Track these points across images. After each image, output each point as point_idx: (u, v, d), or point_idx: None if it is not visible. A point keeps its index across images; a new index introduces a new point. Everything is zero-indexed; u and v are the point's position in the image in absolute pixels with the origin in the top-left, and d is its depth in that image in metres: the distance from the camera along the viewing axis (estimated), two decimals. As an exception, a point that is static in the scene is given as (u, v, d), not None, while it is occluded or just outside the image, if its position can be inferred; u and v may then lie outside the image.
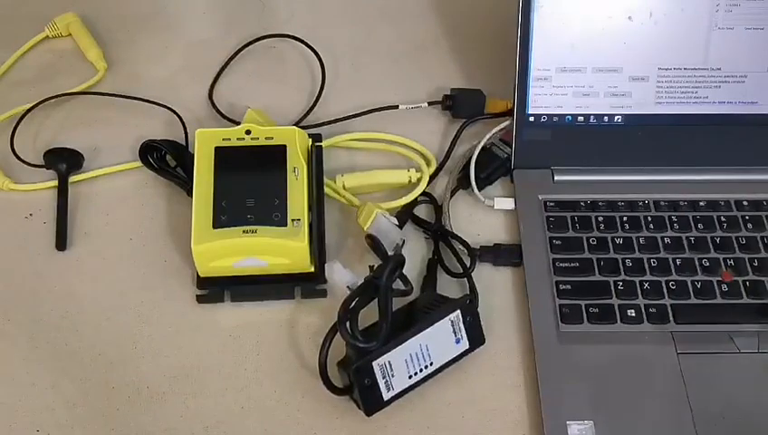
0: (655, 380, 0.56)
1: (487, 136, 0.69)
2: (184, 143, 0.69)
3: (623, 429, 0.54)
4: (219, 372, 0.58)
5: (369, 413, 0.53)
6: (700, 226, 0.64)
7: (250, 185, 0.60)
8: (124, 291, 0.62)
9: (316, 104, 0.73)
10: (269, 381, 0.57)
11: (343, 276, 0.58)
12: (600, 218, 0.64)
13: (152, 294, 0.62)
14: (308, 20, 0.81)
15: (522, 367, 0.58)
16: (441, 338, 0.55)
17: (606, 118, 0.66)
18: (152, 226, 0.65)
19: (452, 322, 0.55)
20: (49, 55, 0.78)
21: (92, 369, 0.58)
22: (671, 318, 0.59)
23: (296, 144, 0.61)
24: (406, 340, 0.53)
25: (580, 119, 0.67)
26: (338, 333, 0.54)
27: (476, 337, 0.57)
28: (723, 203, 0.65)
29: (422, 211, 0.67)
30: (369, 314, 0.55)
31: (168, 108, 0.72)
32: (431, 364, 0.55)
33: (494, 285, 0.62)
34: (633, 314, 0.59)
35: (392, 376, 0.53)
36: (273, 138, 0.62)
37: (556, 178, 0.67)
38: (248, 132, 0.62)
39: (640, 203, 0.65)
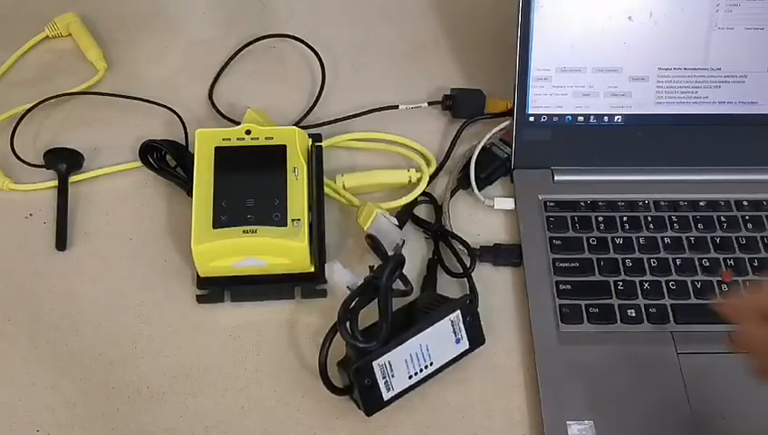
0: (655, 380, 0.56)
1: (487, 136, 0.69)
2: (184, 143, 0.69)
3: (623, 429, 0.54)
4: (219, 372, 0.58)
5: (369, 413, 0.53)
6: (700, 226, 0.64)
7: (250, 185, 0.60)
8: (124, 291, 0.62)
9: (316, 104, 0.73)
10: (269, 381, 0.57)
11: (343, 276, 0.58)
12: (600, 218, 0.64)
13: (152, 294, 0.62)
14: (308, 20, 0.81)
15: (522, 367, 0.58)
16: (441, 338, 0.55)
17: (606, 118, 0.66)
18: (152, 226, 0.65)
19: (452, 322, 0.55)
20: (49, 55, 0.78)
21: (92, 369, 0.58)
22: (671, 318, 0.59)
23: (296, 144, 0.61)
24: (406, 340, 0.53)
25: (580, 119, 0.67)
26: (338, 333, 0.54)
27: (476, 337, 0.57)
28: (723, 203, 0.65)
29: (422, 211, 0.66)
30: (369, 314, 0.55)
31: (168, 108, 0.72)
32: (431, 364, 0.55)
33: (494, 285, 0.62)
34: (633, 314, 0.59)
35: (392, 376, 0.53)
36: (273, 138, 0.62)
37: (556, 178, 0.67)
38: (248, 132, 0.62)
39: (640, 203, 0.65)
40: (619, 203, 0.65)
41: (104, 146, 0.70)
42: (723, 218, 0.64)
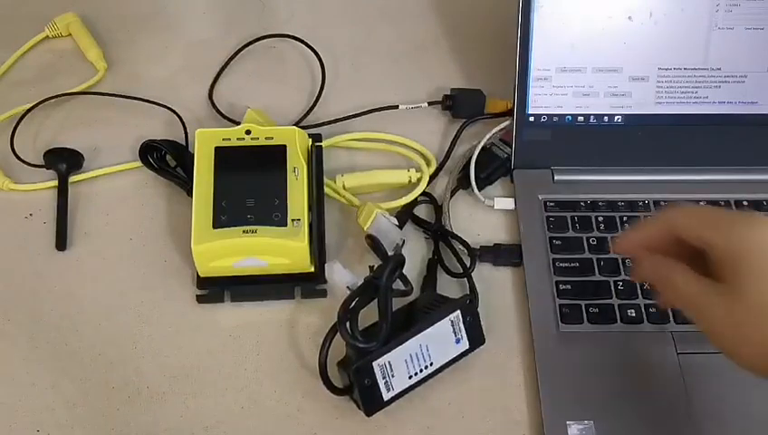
0: (655, 380, 0.56)
1: (487, 136, 0.69)
2: (184, 143, 0.69)
3: (623, 429, 0.54)
4: (219, 372, 0.58)
5: (369, 413, 0.53)
6: (700, 226, 0.64)
7: (250, 185, 0.60)
8: (124, 291, 0.62)
9: (316, 104, 0.73)
10: (269, 381, 0.57)
11: (343, 277, 0.58)
12: (600, 218, 0.64)
13: (152, 294, 0.62)
14: (308, 20, 0.81)
15: (522, 367, 0.58)
16: (441, 338, 0.55)
17: (606, 118, 0.66)
18: (152, 226, 0.65)
19: (452, 322, 0.55)
20: (49, 55, 0.78)
21: (92, 369, 0.58)
22: (671, 318, 0.59)
23: (296, 144, 0.61)
24: (406, 340, 0.53)
25: (580, 119, 0.67)
26: (338, 333, 0.54)
27: (476, 337, 0.57)
28: (723, 203, 0.65)
29: (422, 211, 0.67)
30: (369, 314, 0.55)
31: (168, 108, 0.72)
32: (431, 364, 0.55)
33: (494, 285, 0.62)
34: (633, 314, 0.59)
35: (392, 376, 0.53)
36: (273, 138, 0.62)
37: (556, 178, 0.67)
38: (248, 132, 0.62)
39: (640, 203, 0.65)
40: (619, 203, 0.65)
41: (104, 146, 0.70)
42: (723, 218, 0.64)
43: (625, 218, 0.64)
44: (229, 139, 0.62)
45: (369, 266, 0.59)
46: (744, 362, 0.43)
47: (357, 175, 0.67)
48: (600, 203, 0.65)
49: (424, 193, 0.66)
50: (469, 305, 0.57)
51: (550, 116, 0.66)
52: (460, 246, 0.63)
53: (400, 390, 0.54)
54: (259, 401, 0.57)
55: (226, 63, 0.76)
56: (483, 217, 0.66)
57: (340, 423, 0.55)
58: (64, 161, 0.67)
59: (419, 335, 0.54)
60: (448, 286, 0.62)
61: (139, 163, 0.68)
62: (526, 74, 0.65)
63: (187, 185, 0.65)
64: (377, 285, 0.55)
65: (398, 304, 0.57)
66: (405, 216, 0.65)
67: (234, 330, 0.60)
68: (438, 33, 0.80)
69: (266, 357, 0.59)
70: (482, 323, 0.57)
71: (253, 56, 0.78)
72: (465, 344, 0.56)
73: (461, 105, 0.72)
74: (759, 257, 0.42)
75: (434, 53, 0.78)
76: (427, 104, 0.73)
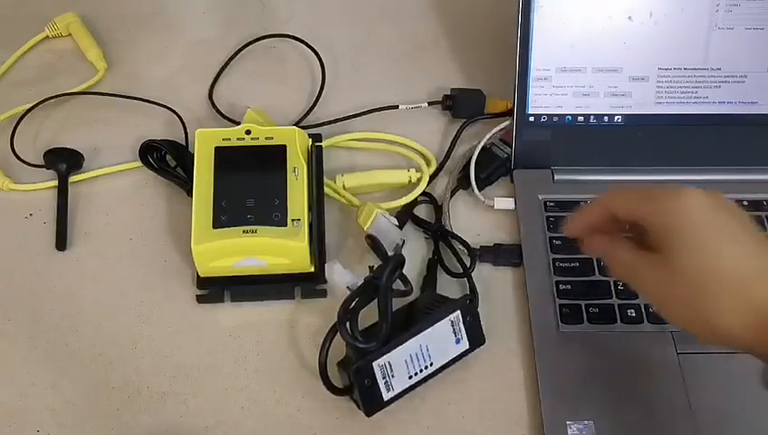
0: (655, 380, 0.56)
1: (487, 136, 0.69)
2: (184, 143, 0.69)
3: (623, 429, 0.54)
4: (219, 371, 0.58)
5: (369, 413, 0.53)
6: (700, 226, 0.64)
7: (250, 185, 0.60)
8: (124, 291, 0.62)
9: (316, 104, 0.73)
10: (269, 381, 0.57)
11: (343, 277, 0.58)
12: (600, 218, 0.64)
13: (152, 294, 0.62)
14: (308, 20, 0.81)
15: (522, 367, 0.58)
16: (441, 338, 0.55)
17: (606, 118, 0.66)
18: (152, 226, 0.65)
19: (452, 322, 0.55)
20: (49, 55, 0.78)
21: (92, 369, 0.58)
22: (671, 318, 0.59)
23: (296, 144, 0.61)
24: (406, 340, 0.53)
25: (580, 119, 0.67)
26: (338, 334, 0.54)
27: (476, 337, 0.57)
28: (723, 203, 0.65)
29: (422, 211, 0.67)
30: (369, 315, 0.55)
31: (168, 108, 0.72)
32: (431, 365, 0.55)
33: (494, 285, 0.62)
34: (633, 314, 0.59)
35: (392, 376, 0.53)
36: (273, 138, 0.62)
37: (556, 178, 0.67)
38: (248, 132, 0.62)
39: (640, 203, 0.65)
40: (619, 203, 0.65)
41: (104, 146, 0.70)
42: (723, 218, 0.64)
43: (625, 218, 0.64)
44: (229, 139, 0.62)
45: (369, 266, 0.59)
46: (681, 325, 0.46)
47: (357, 175, 0.67)
48: (600, 203, 0.65)
49: (424, 193, 0.66)
50: (469, 305, 0.57)
51: (550, 116, 0.66)
52: (460, 246, 0.63)
53: (400, 390, 0.54)
54: (259, 401, 0.57)
55: (226, 63, 0.76)
56: (483, 217, 0.66)
57: (340, 423, 0.55)
58: (64, 161, 0.67)
59: (419, 335, 0.54)
60: (448, 286, 0.62)
61: (139, 163, 0.68)
62: (526, 74, 0.65)
63: (187, 185, 0.65)
64: (377, 285, 0.55)
65: (398, 304, 0.57)
66: (405, 216, 0.65)
67: (234, 330, 0.60)
68: (438, 33, 0.80)
69: (266, 357, 0.59)
70: (482, 323, 0.57)
71: (253, 56, 0.78)
72: (465, 344, 0.56)
73: (461, 105, 0.72)
74: (686, 228, 0.45)
75: (434, 53, 0.78)
76: (427, 104, 0.73)
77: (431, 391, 0.56)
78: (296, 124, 0.71)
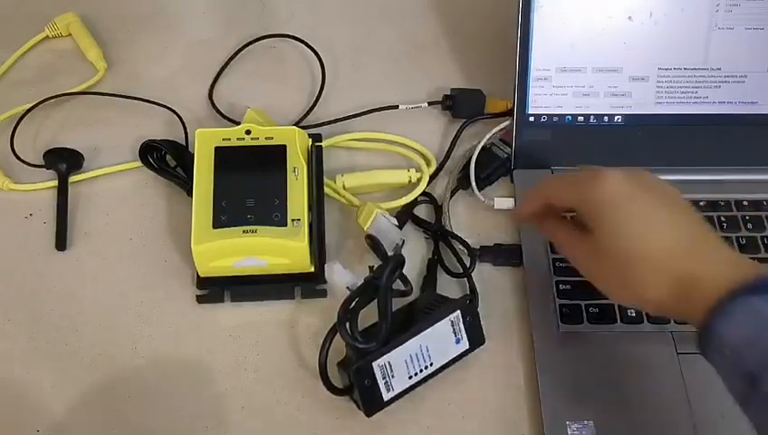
0: (655, 380, 0.56)
1: (487, 136, 0.69)
2: (184, 143, 0.69)
3: (623, 429, 0.54)
4: (219, 371, 0.58)
5: (369, 414, 0.53)
6: (700, 226, 0.64)
7: (250, 185, 0.60)
8: (124, 291, 0.62)
9: (316, 104, 0.73)
10: (269, 381, 0.57)
11: (343, 277, 0.58)
12: (600, 218, 0.64)
13: (152, 294, 0.62)
14: (308, 20, 0.81)
15: (522, 367, 0.58)
16: (441, 338, 0.55)
17: (606, 118, 0.67)
18: (152, 226, 0.65)
19: (452, 322, 0.55)
20: (49, 55, 0.78)
21: (92, 369, 0.58)
22: (671, 319, 0.59)
23: (296, 144, 0.61)
24: (406, 340, 0.53)
25: (580, 119, 0.67)
26: (338, 334, 0.54)
27: (476, 337, 0.57)
28: (723, 203, 0.65)
29: (422, 211, 0.67)
30: (369, 315, 0.55)
31: (168, 108, 0.72)
32: (431, 365, 0.55)
33: (494, 285, 0.62)
34: (633, 314, 0.59)
35: (392, 377, 0.53)
36: (273, 138, 0.62)
37: (556, 178, 0.67)
38: (248, 132, 0.62)
39: (640, 203, 0.65)
40: (619, 203, 0.65)
41: (104, 146, 0.70)
42: (723, 218, 0.64)
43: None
44: (229, 139, 0.62)
45: (369, 266, 0.59)
46: (617, 300, 0.52)
47: (357, 175, 0.67)
48: (599, 203, 0.65)
49: (424, 193, 0.66)
50: (469, 305, 0.57)
51: (550, 116, 0.66)
52: (460, 246, 0.63)
53: (400, 390, 0.54)
54: (259, 400, 0.57)
55: (226, 63, 0.76)
56: (483, 217, 0.66)
57: (340, 423, 0.55)
58: (64, 161, 0.67)
59: (419, 335, 0.54)
60: (448, 286, 0.62)
61: (139, 163, 0.68)
62: (526, 74, 0.65)
63: (187, 185, 0.65)
64: (377, 286, 0.55)
65: (398, 304, 0.57)
66: (405, 216, 0.65)
67: (234, 330, 0.60)
68: (438, 33, 0.80)
69: (266, 357, 0.59)
70: (482, 323, 0.57)
71: (253, 56, 0.78)
72: (465, 344, 0.56)
73: (461, 105, 0.72)
74: (607, 211, 0.49)
75: (434, 53, 0.78)
76: (427, 104, 0.73)
77: (431, 391, 0.56)
78: (296, 124, 0.71)
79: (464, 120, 0.71)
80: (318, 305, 0.61)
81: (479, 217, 0.66)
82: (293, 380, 0.57)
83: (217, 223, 0.58)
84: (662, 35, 0.64)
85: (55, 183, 0.67)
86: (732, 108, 0.66)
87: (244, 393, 0.57)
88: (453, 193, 0.67)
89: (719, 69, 0.65)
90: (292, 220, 0.58)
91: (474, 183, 0.66)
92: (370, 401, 0.53)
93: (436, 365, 0.55)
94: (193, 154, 0.61)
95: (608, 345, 0.58)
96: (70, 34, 0.78)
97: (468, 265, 0.62)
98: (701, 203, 0.65)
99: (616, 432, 0.54)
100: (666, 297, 0.47)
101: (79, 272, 0.63)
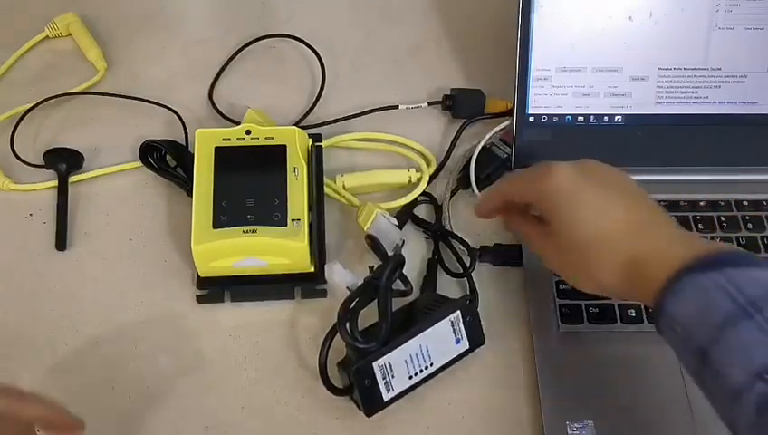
0: (655, 380, 0.56)
1: (487, 136, 0.69)
2: (184, 143, 0.69)
3: (623, 429, 0.54)
4: (219, 371, 0.58)
5: (369, 414, 0.53)
6: (700, 226, 0.64)
7: (250, 185, 0.60)
8: (124, 291, 0.62)
9: (316, 104, 0.73)
10: (269, 381, 0.57)
11: (343, 277, 0.58)
12: (600, 218, 0.64)
13: (152, 294, 0.62)
14: (308, 20, 0.81)
15: (522, 367, 0.58)
16: (441, 338, 0.55)
17: (606, 118, 0.66)
18: (152, 226, 0.65)
19: (452, 322, 0.55)
20: (49, 55, 0.78)
21: (92, 369, 0.58)
22: (671, 318, 0.59)
23: (296, 144, 0.61)
24: (406, 341, 0.53)
25: (580, 119, 0.67)
26: (338, 334, 0.54)
27: (476, 337, 0.57)
28: (723, 203, 0.65)
29: (422, 211, 0.66)
30: (369, 315, 0.55)
31: (168, 108, 0.72)
32: (431, 365, 0.55)
33: (494, 285, 0.62)
34: (633, 314, 0.59)
35: (392, 377, 0.53)
36: (273, 138, 0.62)
37: (556, 178, 0.66)
38: (248, 132, 0.62)
39: (640, 203, 0.65)
40: (619, 203, 0.65)
41: (104, 146, 0.70)
42: (723, 218, 0.64)
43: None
44: (229, 139, 0.62)
45: (369, 267, 0.59)
46: (579, 287, 0.52)
47: (357, 175, 0.67)
48: (599, 203, 0.65)
49: (424, 193, 0.66)
50: (469, 305, 0.57)
51: (550, 116, 0.66)
52: (460, 246, 0.63)
53: (400, 390, 0.54)
54: (259, 400, 0.57)
55: (226, 63, 0.76)
56: (483, 217, 0.66)
57: (340, 423, 0.55)
58: (64, 161, 0.67)
59: (419, 336, 0.54)
60: (448, 286, 0.62)
61: (139, 163, 0.68)
62: (526, 74, 0.65)
63: (187, 185, 0.65)
64: (377, 286, 0.55)
65: (398, 304, 0.57)
66: (405, 216, 0.65)
67: (234, 330, 0.60)
68: (439, 33, 0.80)
69: (266, 357, 0.59)
70: (482, 323, 0.57)
71: (253, 56, 0.78)
72: (464, 345, 0.56)
73: (461, 105, 0.72)
74: (559, 204, 0.50)
75: (434, 52, 0.78)
76: (427, 104, 0.73)
77: (431, 391, 0.56)
78: (296, 124, 0.71)
79: (464, 120, 0.71)
80: (318, 305, 0.61)
81: (479, 218, 0.66)
82: (293, 380, 0.57)
83: (217, 223, 0.58)
84: (662, 35, 0.64)
85: (55, 183, 0.67)
86: (732, 108, 0.66)
87: (244, 393, 0.57)
88: (453, 193, 0.67)
89: (719, 69, 0.65)
90: (292, 220, 0.58)
91: (474, 183, 0.66)
92: (370, 402, 0.53)
93: (437, 365, 0.55)
94: (193, 154, 0.61)
95: (608, 345, 0.58)
96: (70, 34, 0.78)
97: (468, 265, 0.62)
98: (701, 203, 0.65)
99: (616, 432, 0.54)
100: (623, 278, 0.48)
101: (79, 272, 0.63)
